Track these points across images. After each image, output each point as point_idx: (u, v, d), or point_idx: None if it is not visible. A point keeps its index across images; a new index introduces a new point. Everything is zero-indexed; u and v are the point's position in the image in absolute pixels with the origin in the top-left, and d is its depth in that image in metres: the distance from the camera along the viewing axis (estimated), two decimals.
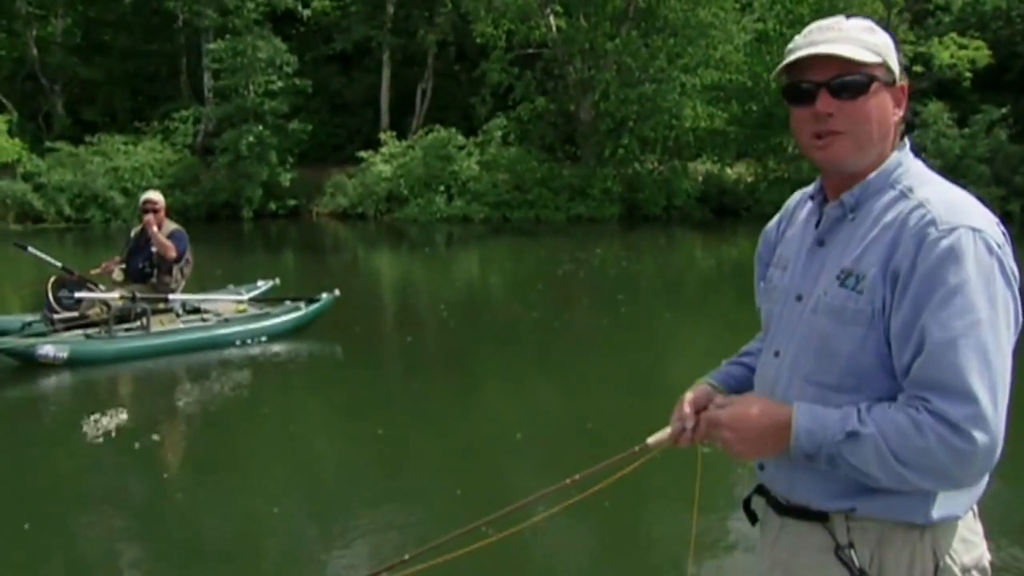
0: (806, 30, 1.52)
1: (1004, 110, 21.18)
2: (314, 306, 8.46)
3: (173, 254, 7.77)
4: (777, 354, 1.57)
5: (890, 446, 1.32)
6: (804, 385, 1.49)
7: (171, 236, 7.82)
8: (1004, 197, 20.11)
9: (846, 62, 1.43)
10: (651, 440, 1.68)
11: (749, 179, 22.65)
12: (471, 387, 7.33)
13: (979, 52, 22.17)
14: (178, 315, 7.95)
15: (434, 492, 4.78)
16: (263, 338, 8.05)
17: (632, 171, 22.25)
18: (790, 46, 1.51)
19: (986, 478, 1.43)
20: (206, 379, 7.20)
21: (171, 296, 7.77)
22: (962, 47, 22.31)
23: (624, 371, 7.68)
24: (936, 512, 1.41)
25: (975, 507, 1.50)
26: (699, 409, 1.64)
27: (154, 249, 7.75)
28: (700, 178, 22.76)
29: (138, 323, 7.53)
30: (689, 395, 1.67)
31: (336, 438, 6.09)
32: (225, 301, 8.40)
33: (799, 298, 1.54)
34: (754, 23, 22.22)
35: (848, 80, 1.44)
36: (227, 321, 8.05)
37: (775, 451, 1.45)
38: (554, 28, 22.43)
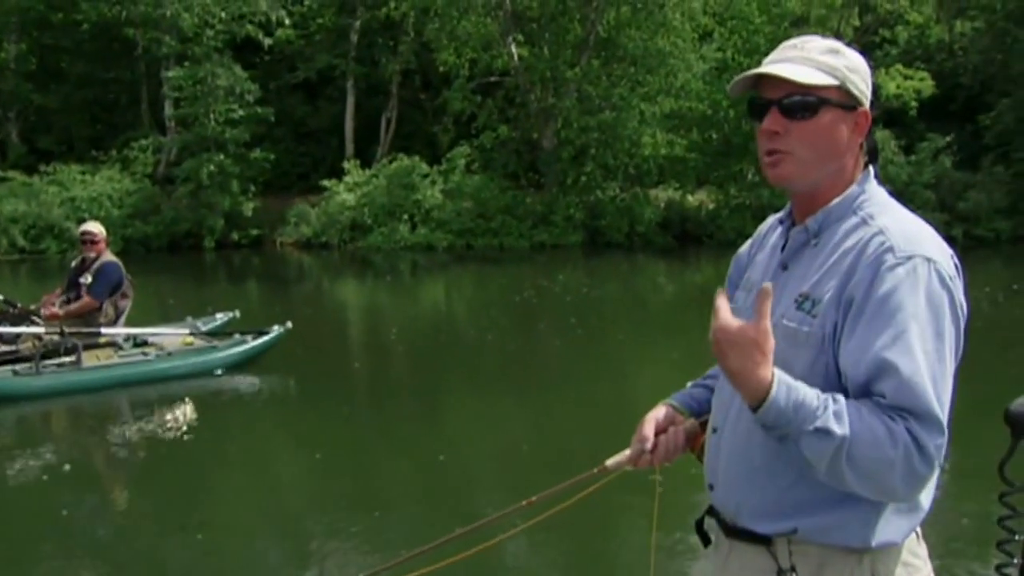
0: (779, 47, 1.53)
1: (948, 138, 21.96)
2: (262, 339, 8.26)
3: (90, 307, 7.44)
4: None
5: (851, 449, 1.30)
6: None
7: (100, 270, 7.51)
8: (948, 222, 20.69)
9: (795, 82, 1.44)
10: (610, 462, 1.66)
11: (710, 206, 22.91)
12: (429, 413, 7.27)
13: (924, 83, 22.94)
14: (119, 348, 7.69)
15: (392, 517, 4.73)
16: (209, 372, 7.85)
17: (594, 198, 22.39)
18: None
19: (927, 505, 1.45)
20: (146, 413, 6.98)
21: (104, 330, 7.47)
22: (908, 78, 23.06)
23: (584, 395, 7.67)
24: (875, 538, 1.42)
25: (919, 530, 1.50)
26: (659, 431, 1.63)
27: (81, 281, 7.48)
28: (662, 205, 22.97)
29: (70, 358, 7.30)
30: (650, 417, 1.66)
31: (288, 467, 5.99)
32: (170, 334, 8.16)
33: None
34: (714, 52, 22.64)
35: (796, 101, 1.45)
36: (170, 355, 7.80)
37: (739, 390, 1.36)
38: (516, 57, 22.62)
